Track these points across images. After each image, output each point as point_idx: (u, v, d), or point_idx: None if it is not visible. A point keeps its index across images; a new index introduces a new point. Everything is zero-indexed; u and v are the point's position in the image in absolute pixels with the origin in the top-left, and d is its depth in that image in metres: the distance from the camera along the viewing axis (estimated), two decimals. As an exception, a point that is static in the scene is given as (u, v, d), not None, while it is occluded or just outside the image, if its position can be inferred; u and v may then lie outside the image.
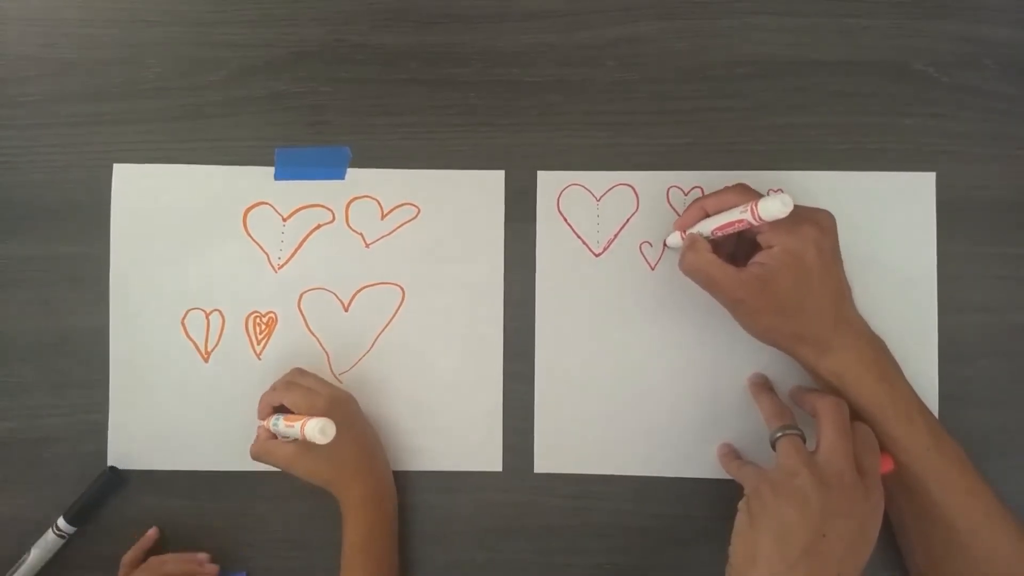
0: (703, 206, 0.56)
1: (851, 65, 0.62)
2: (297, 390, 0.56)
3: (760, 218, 0.50)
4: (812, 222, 0.52)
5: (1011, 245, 0.60)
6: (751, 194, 0.53)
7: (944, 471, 0.51)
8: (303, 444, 0.54)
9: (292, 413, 0.55)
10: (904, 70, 0.61)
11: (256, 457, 0.57)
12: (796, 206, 0.49)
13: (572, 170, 0.62)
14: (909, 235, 0.60)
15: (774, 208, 0.49)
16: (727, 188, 0.55)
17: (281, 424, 0.54)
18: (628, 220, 0.61)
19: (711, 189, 0.60)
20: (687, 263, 0.55)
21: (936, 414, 0.56)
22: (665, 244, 0.61)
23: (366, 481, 0.56)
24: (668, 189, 0.61)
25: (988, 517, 0.51)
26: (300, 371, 0.59)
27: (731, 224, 0.52)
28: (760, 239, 0.52)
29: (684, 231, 0.57)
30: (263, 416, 0.57)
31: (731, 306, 0.55)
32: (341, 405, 0.56)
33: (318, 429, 0.50)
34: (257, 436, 0.57)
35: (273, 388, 0.58)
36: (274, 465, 0.56)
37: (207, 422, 0.61)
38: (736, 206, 0.53)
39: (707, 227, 0.55)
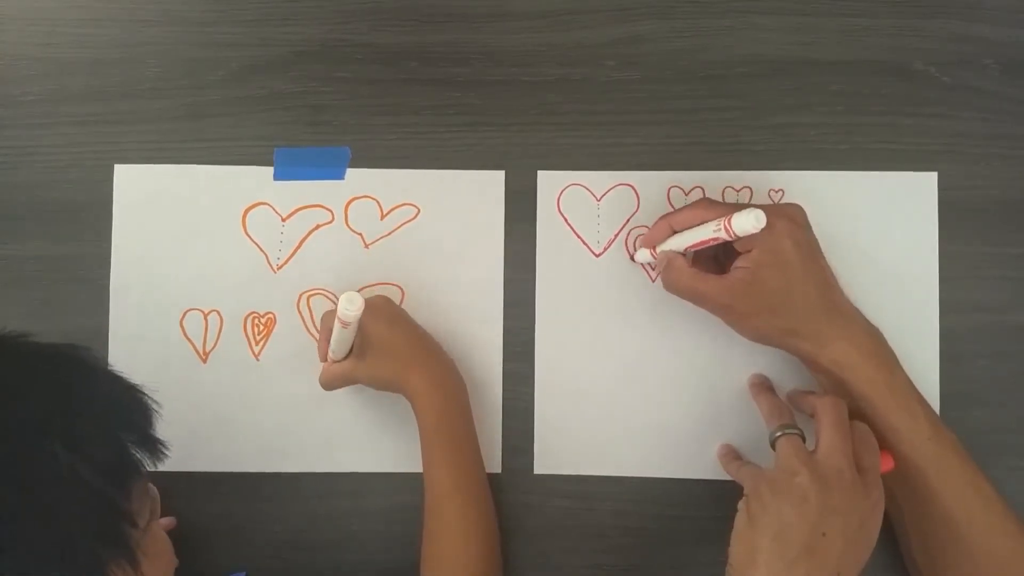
0: (670, 223, 0.55)
1: (851, 65, 0.62)
2: (332, 317, 0.56)
3: (735, 234, 0.50)
4: (784, 217, 0.52)
5: (1011, 245, 0.60)
6: (718, 208, 0.53)
7: (943, 461, 0.51)
8: (356, 353, 0.55)
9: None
10: (904, 70, 0.61)
11: (325, 386, 0.58)
12: (764, 206, 0.49)
13: (572, 170, 0.62)
14: (910, 235, 0.60)
15: (748, 224, 0.49)
16: (693, 204, 0.55)
17: (332, 340, 0.55)
18: (628, 220, 0.61)
19: (711, 189, 0.61)
20: (669, 283, 0.56)
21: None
22: (634, 259, 0.60)
23: (422, 371, 0.56)
24: (668, 189, 0.61)
25: (986, 509, 0.51)
26: (330, 312, 0.59)
27: (705, 242, 0.53)
28: (736, 245, 0.53)
29: (653, 248, 0.57)
30: (323, 358, 0.59)
31: (721, 313, 0.55)
32: (378, 310, 0.56)
33: (345, 301, 0.50)
34: (322, 371, 0.58)
35: (322, 339, 0.58)
36: (343, 383, 0.58)
37: (205, 423, 0.61)
38: (704, 221, 0.53)
39: (680, 244, 0.55)
